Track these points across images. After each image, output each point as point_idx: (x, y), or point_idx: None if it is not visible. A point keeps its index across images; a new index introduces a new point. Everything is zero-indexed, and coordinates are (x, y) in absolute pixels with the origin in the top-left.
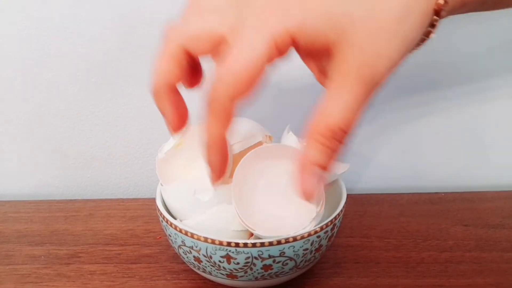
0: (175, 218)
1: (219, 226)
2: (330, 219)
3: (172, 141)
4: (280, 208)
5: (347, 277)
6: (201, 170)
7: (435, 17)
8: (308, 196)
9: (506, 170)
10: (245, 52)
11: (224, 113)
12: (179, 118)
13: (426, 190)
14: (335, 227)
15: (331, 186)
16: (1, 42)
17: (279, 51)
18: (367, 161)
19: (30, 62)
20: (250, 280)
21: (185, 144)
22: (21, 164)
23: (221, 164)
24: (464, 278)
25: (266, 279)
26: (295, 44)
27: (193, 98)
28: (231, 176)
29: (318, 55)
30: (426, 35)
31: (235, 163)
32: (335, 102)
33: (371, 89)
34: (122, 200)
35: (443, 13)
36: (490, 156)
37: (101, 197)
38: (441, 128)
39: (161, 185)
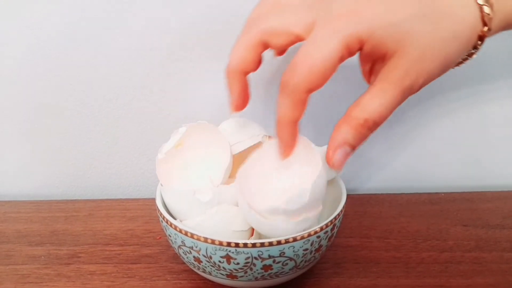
0: (175, 219)
1: (219, 226)
2: (330, 219)
3: (172, 141)
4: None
5: (347, 277)
6: (201, 171)
7: (478, 41)
8: (337, 167)
9: (506, 170)
10: (321, 49)
11: (299, 102)
12: (242, 100)
13: (426, 190)
14: (335, 227)
15: (331, 185)
16: (2, 43)
17: (349, 53)
18: (367, 161)
19: (30, 62)
20: (250, 280)
21: (185, 144)
22: (21, 164)
23: (292, 141)
24: (464, 278)
25: (266, 279)
26: (361, 47)
27: (195, 99)
28: (231, 176)
29: (373, 58)
30: (469, 55)
31: (235, 164)
32: (376, 100)
33: (407, 95)
34: (122, 200)
35: (486, 38)
36: (490, 156)
37: (101, 197)
38: (441, 128)
39: (161, 185)
